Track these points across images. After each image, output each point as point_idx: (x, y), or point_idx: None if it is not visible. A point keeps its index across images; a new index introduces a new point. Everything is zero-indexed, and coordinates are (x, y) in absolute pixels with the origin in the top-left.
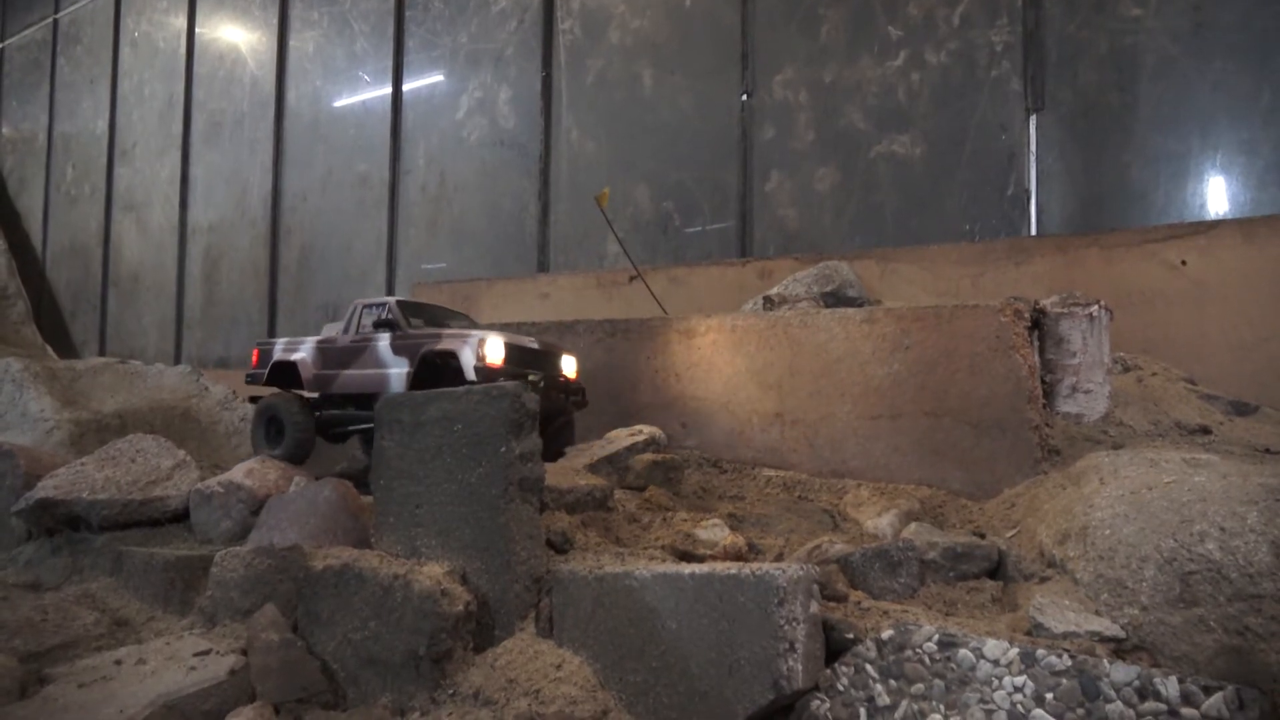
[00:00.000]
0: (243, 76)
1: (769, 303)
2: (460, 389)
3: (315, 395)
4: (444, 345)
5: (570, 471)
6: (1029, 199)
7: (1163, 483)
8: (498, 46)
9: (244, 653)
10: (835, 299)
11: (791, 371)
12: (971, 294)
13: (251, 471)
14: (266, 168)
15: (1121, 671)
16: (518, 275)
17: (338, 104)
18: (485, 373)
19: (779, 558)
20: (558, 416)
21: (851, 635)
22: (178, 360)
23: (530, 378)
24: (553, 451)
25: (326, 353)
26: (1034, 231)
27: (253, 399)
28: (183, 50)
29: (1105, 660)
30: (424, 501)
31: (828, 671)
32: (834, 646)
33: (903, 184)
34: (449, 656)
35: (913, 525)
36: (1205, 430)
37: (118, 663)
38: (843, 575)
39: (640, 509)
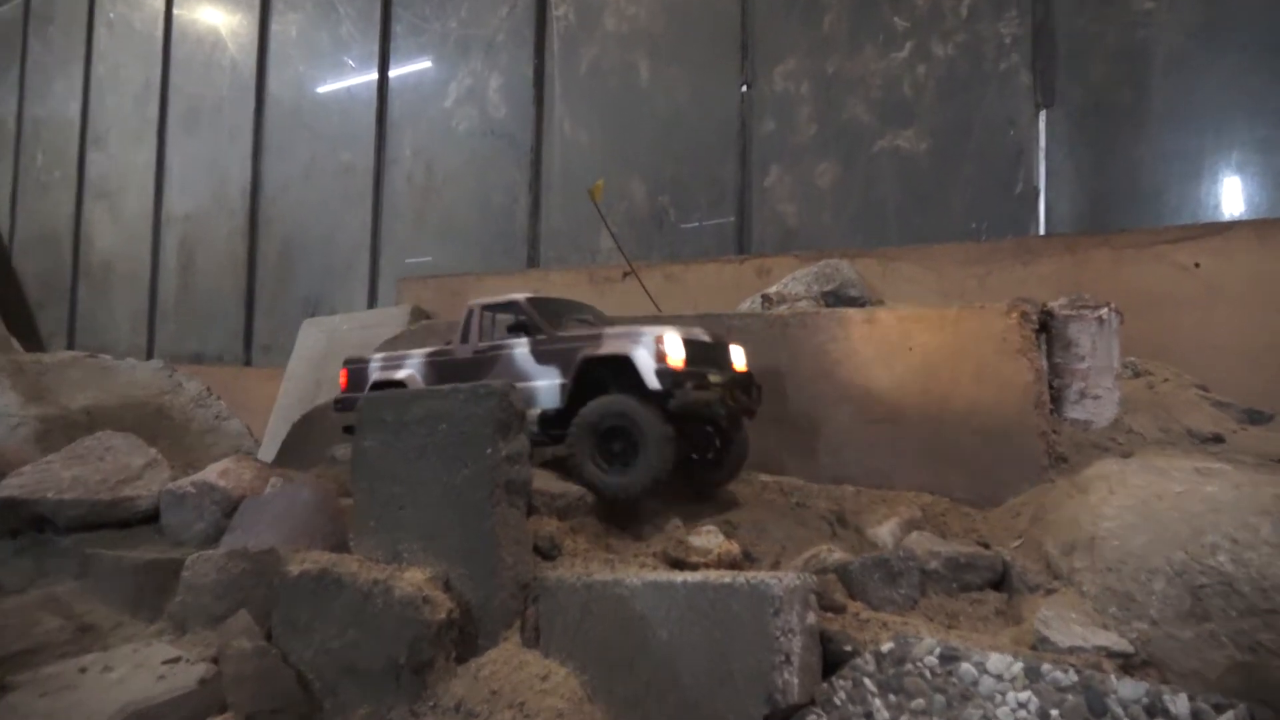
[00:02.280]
0: (222, 60)
1: (767, 302)
2: (446, 387)
3: None
4: (609, 348)
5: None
6: (1037, 197)
7: (1173, 492)
8: (489, 32)
9: (216, 661)
10: (836, 299)
11: (790, 373)
12: (977, 295)
13: (226, 471)
14: (246, 156)
15: (1129, 688)
16: (507, 270)
17: (321, 90)
18: (669, 377)
19: (775, 566)
20: (741, 421)
21: (849, 647)
22: (150, 355)
23: (713, 379)
24: (731, 465)
25: (442, 367)
26: (1042, 231)
27: (347, 429)
28: (160, 32)
29: (1112, 676)
30: (406, 504)
31: (824, 685)
32: (831, 659)
33: (907, 180)
34: (430, 666)
35: (914, 534)
36: (1217, 438)
37: (83, 670)
38: (841, 585)
39: (631, 514)
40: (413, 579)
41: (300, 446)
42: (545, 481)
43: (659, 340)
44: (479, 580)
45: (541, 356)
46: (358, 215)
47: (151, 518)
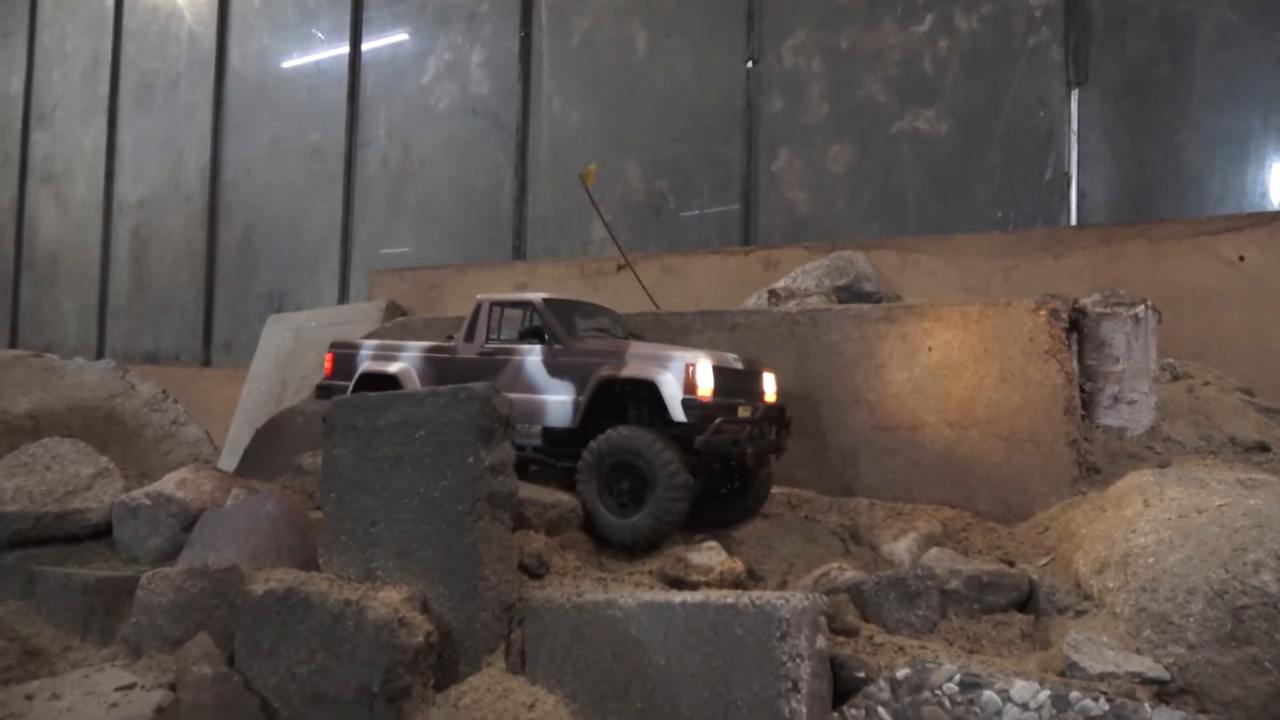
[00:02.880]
0: (179, 32)
1: (774, 297)
2: (424, 390)
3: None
4: (633, 370)
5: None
6: (1069, 183)
7: (1213, 505)
8: (471, 2)
9: (173, 688)
10: (849, 294)
11: (798, 375)
12: (1003, 290)
13: (184, 482)
14: (205, 136)
15: (1165, 717)
16: (491, 262)
17: (287, 65)
18: (697, 410)
19: (782, 585)
20: (768, 459)
21: (862, 674)
22: (101, 354)
23: (742, 412)
24: (753, 503)
25: (442, 366)
26: (1074, 220)
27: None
28: (111, 0)
29: (1146, 704)
30: (380, 518)
31: (835, 715)
32: (842, 686)
33: (927, 165)
34: (406, 694)
35: (933, 550)
36: (1263, 447)
37: (29, 698)
38: (853, 606)
39: None
40: (387, 599)
41: (264, 455)
42: (534, 492)
43: (690, 368)
44: (459, 601)
45: (556, 368)
46: (327, 202)
47: (103, 532)
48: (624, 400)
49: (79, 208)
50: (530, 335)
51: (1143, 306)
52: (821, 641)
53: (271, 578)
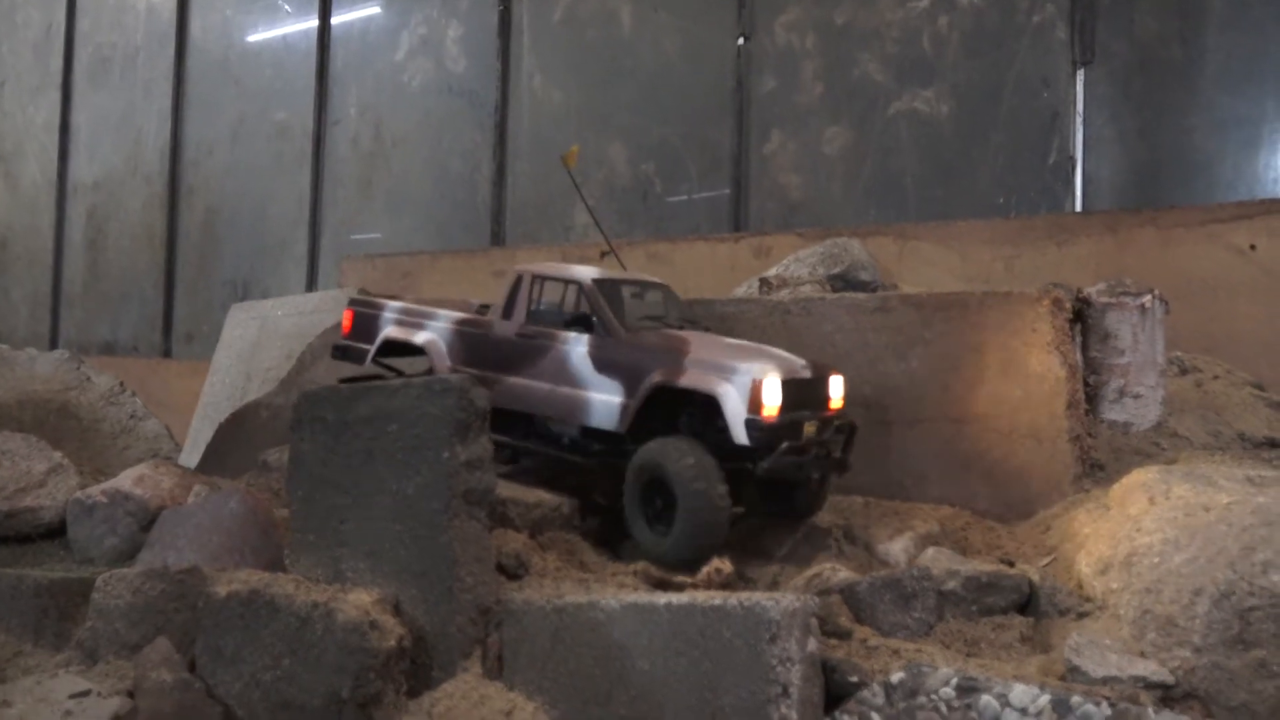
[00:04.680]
0: (136, 3)
1: (766, 286)
2: (396, 381)
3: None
4: (691, 380)
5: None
6: (1074, 168)
7: (1221, 503)
8: None
9: (131, 695)
10: (844, 282)
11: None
12: (1004, 279)
13: (142, 479)
14: (165, 114)
15: None
16: (467, 249)
17: (252, 38)
18: (761, 432)
19: (772, 587)
20: (828, 476)
21: (856, 678)
22: (54, 344)
23: (809, 430)
24: (802, 515)
25: (474, 343)
26: (1079, 207)
27: (349, 380)
28: None
29: (1150, 709)
30: (350, 516)
31: None
32: (835, 691)
33: (926, 148)
34: (378, 701)
35: (930, 550)
36: (1273, 443)
37: None
38: (847, 608)
39: (612, 528)
40: (358, 601)
41: (228, 450)
42: (516, 490)
43: (757, 386)
44: (434, 603)
45: (603, 364)
46: (294, 184)
47: (56, 531)
48: (677, 406)
49: (30, 189)
50: (578, 324)
51: (1150, 297)
52: (813, 644)
53: (235, 579)
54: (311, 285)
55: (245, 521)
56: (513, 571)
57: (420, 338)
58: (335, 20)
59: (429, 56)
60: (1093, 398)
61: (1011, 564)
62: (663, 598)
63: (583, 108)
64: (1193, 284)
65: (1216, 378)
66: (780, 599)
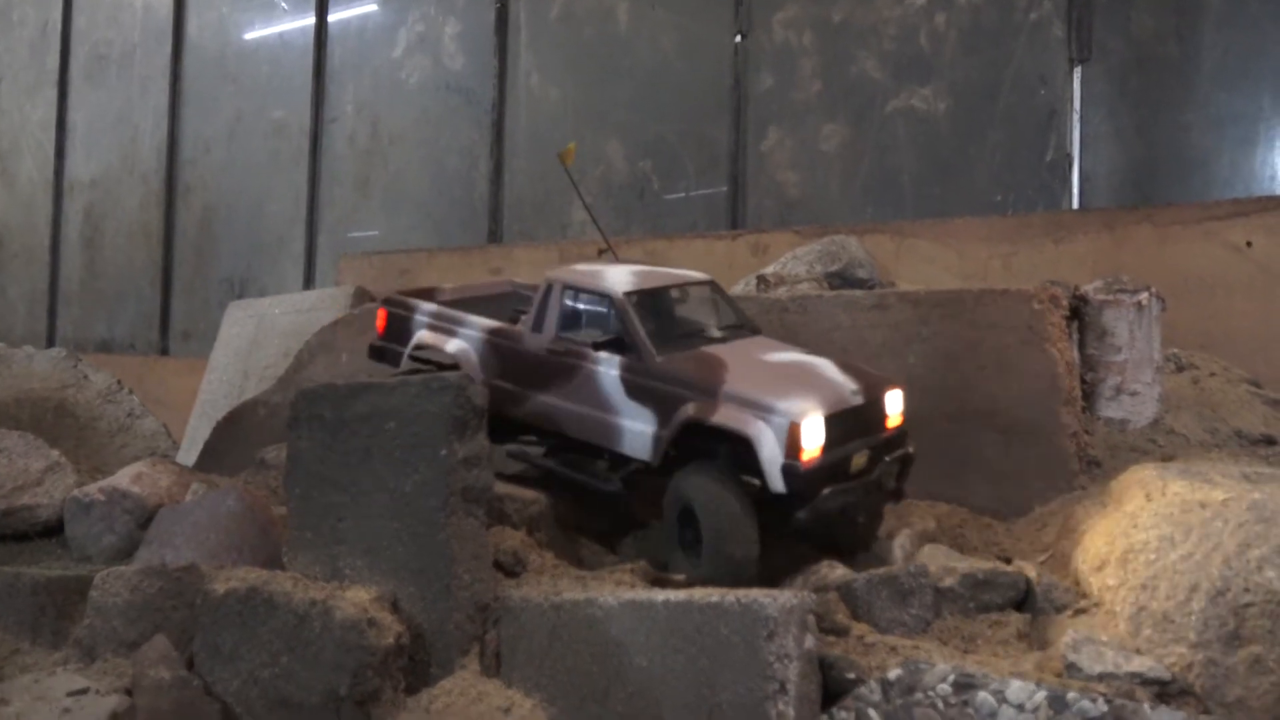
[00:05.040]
0: (133, 1)
1: (764, 283)
2: (393, 380)
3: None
4: (724, 417)
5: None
6: (1071, 165)
7: (1217, 500)
8: None
9: (129, 692)
10: (842, 280)
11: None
12: (1001, 276)
13: (140, 477)
14: (161, 112)
15: (1165, 719)
16: (464, 246)
17: (249, 36)
18: (800, 480)
19: (769, 583)
20: (881, 504)
21: (853, 675)
22: (51, 342)
23: (858, 462)
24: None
25: (504, 355)
26: (1076, 204)
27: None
28: None
29: (1147, 706)
30: (348, 514)
31: (824, 718)
32: (832, 688)
33: (924, 145)
34: (376, 698)
35: (927, 548)
36: (1270, 440)
37: None
38: (844, 605)
39: (610, 525)
40: (355, 599)
41: (225, 448)
42: (511, 488)
43: (795, 429)
44: (431, 600)
45: (635, 390)
46: (291, 181)
47: (54, 529)
48: (714, 438)
49: (26, 187)
50: (610, 346)
51: (1146, 294)
52: (810, 641)
53: (233, 577)
54: (309, 283)
55: (243, 519)
56: (510, 569)
57: (452, 346)
58: (332, 17)
59: (426, 54)
60: (1089, 395)
61: (1008, 561)
62: (660, 595)
63: (580, 105)
64: (1189, 281)
65: (1213, 375)
66: (778, 596)
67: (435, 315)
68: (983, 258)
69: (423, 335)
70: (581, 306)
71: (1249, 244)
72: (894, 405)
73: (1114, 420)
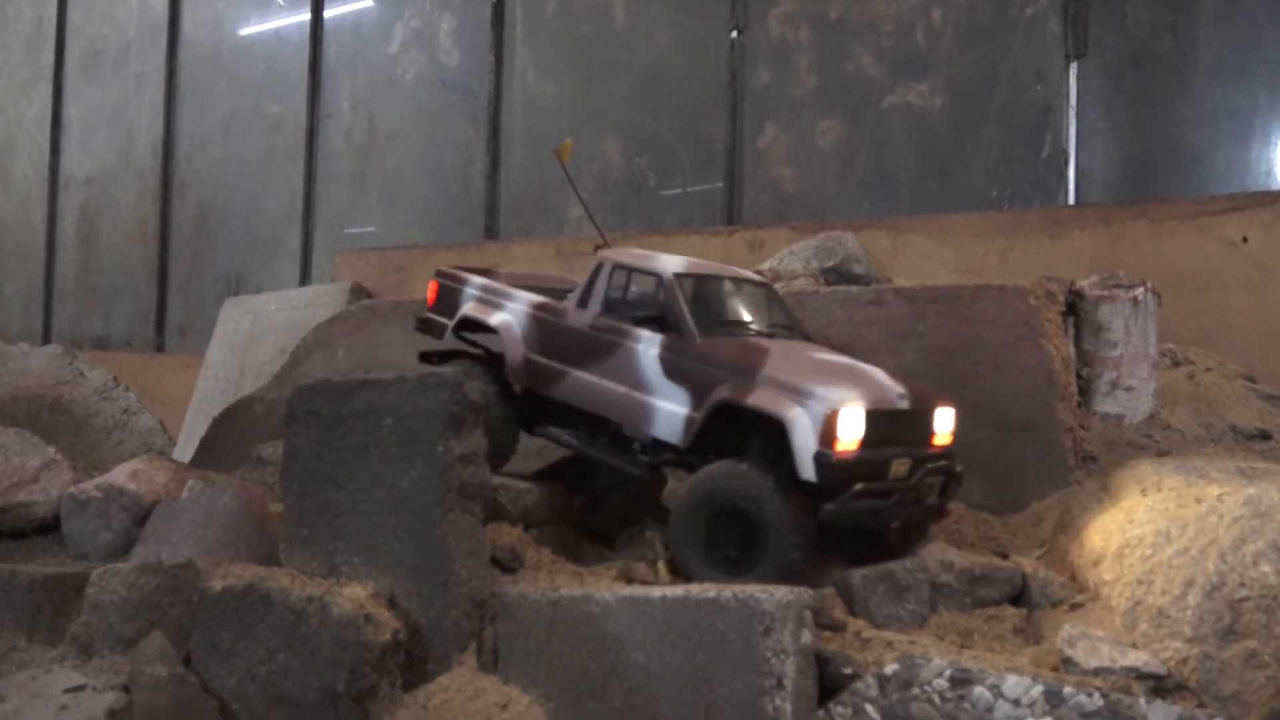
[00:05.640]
0: None
1: None
2: (390, 375)
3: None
4: (759, 399)
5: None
6: (1067, 161)
7: (1212, 495)
8: None
9: (126, 689)
10: (838, 276)
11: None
12: (998, 272)
13: (136, 473)
14: (157, 108)
15: (1161, 713)
16: (461, 242)
17: (244, 32)
18: (831, 471)
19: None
20: (920, 526)
21: (850, 670)
22: (47, 339)
23: (896, 469)
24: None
25: (546, 329)
26: (1072, 200)
27: (426, 356)
28: None
29: (1142, 700)
30: (345, 510)
31: (821, 713)
32: (829, 683)
33: (920, 141)
34: (373, 695)
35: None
36: (1265, 435)
37: None
38: (840, 600)
39: (606, 521)
40: (353, 595)
41: (222, 445)
42: (506, 482)
43: (832, 416)
44: (429, 597)
45: (673, 370)
46: (287, 178)
47: (50, 526)
48: (748, 426)
49: (22, 183)
50: (651, 323)
51: (1142, 289)
52: (807, 637)
53: (230, 573)
54: (305, 280)
55: (239, 516)
56: (507, 565)
57: (496, 319)
58: (328, 13)
59: (422, 50)
60: (1085, 390)
61: (1005, 556)
62: (657, 590)
63: (576, 101)
64: (1185, 277)
65: (1209, 370)
66: (774, 591)
67: (484, 289)
68: (979, 253)
69: (468, 308)
70: (631, 288)
71: (1245, 239)
72: (944, 423)
73: (1110, 415)
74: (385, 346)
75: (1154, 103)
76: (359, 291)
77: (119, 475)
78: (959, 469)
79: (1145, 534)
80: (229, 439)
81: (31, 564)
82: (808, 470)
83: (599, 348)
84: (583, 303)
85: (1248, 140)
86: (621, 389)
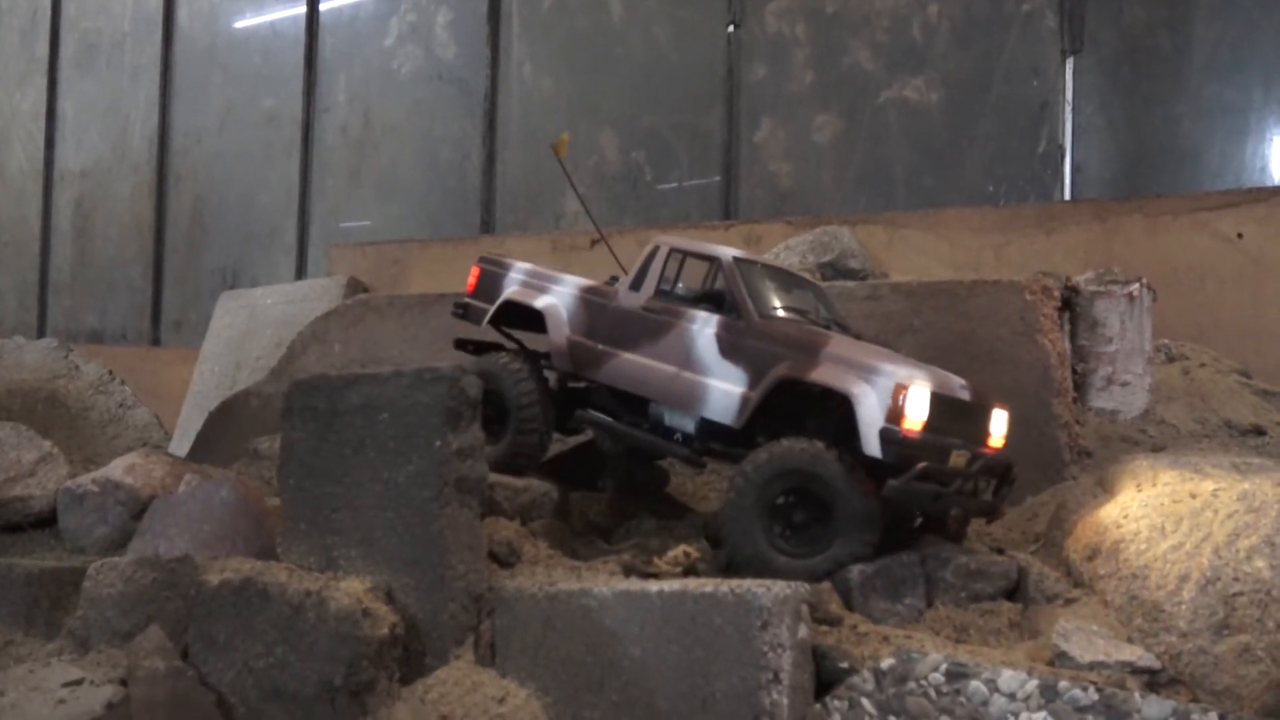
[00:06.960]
0: None
1: None
2: (386, 371)
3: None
4: (824, 376)
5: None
6: (1063, 157)
7: (1207, 490)
8: None
9: (124, 683)
10: (834, 271)
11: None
12: (994, 267)
13: (133, 467)
14: (152, 101)
15: (1155, 707)
16: (457, 237)
17: (240, 25)
18: (897, 447)
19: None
20: (970, 518)
21: (846, 664)
22: (42, 333)
23: (955, 459)
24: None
25: (595, 312)
26: (1068, 195)
27: (462, 344)
28: None
29: (1137, 694)
30: (342, 505)
31: (817, 707)
32: (825, 677)
33: (916, 136)
34: (371, 688)
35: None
36: (1259, 431)
37: None
38: (837, 595)
39: (603, 515)
40: (350, 590)
41: (218, 439)
42: (503, 476)
43: (900, 390)
44: (426, 591)
45: (730, 349)
46: (283, 172)
47: (47, 521)
48: (804, 408)
49: (17, 177)
50: (708, 300)
51: (1137, 285)
52: (804, 631)
53: (227, 567)
54: (301, 274)
55: (236, 510)
56: (504, 559)
57: (541, 302)
58: (324, 6)
59: (418, 43)
60: (1080, 385)
61: (1000, 551)
62: (654, 585)
63: (573, 95)
64: (1180, 272)
65: (1203, 365)
66: (771, 586)
67: (528, 274)
68: (975, 248)
69: (512, 292)
70: (684, 265)
71: (1240, 235)
72: (999, 424)
73: (1105, 411)
74: (381, 341)
75: (1149, 98)
76: (355, 286)
77: (115, 469)
78: (1014, 467)
79: (1140, 529)
80: (225, 433)
81: (28, 558)
82: (873, 446)
83: (651, 329)
84: (635, 285)
85: (1243, 136)
86: (671, 369)
